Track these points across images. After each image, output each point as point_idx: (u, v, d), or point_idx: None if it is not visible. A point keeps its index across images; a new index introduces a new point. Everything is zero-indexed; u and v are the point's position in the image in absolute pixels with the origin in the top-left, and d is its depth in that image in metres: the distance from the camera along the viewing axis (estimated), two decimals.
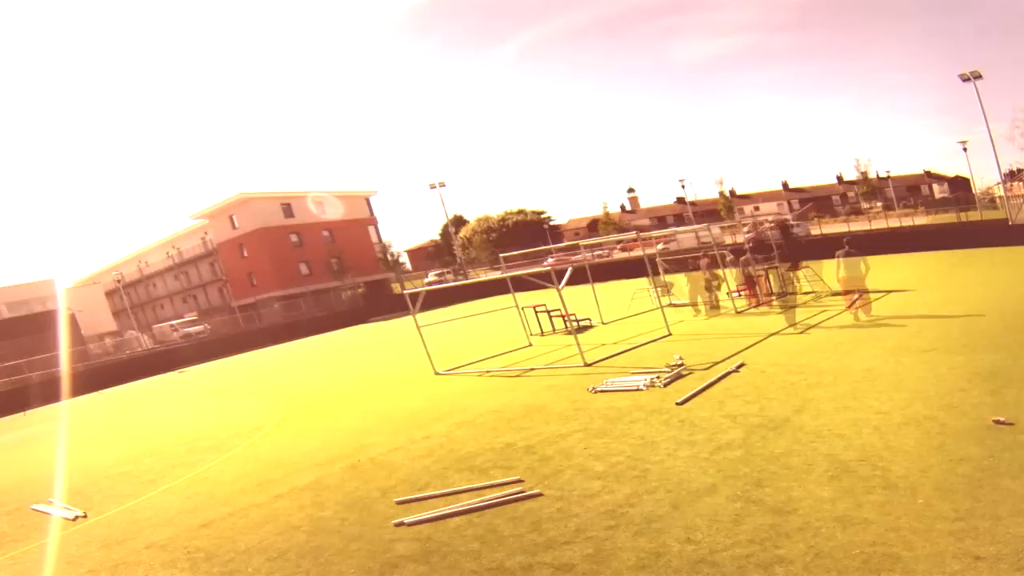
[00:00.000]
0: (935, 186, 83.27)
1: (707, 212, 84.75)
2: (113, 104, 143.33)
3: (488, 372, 16.00)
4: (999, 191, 48.61)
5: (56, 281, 58.54)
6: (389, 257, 77.89)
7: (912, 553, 4.56)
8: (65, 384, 35.41)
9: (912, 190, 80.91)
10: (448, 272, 72.26)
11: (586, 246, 28.27)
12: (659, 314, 18.14)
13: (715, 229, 31.15)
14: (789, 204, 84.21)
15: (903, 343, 11.52)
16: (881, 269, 25.56)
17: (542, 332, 21.28)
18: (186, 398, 23.62)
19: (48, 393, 34.49)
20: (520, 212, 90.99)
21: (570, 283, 16.40)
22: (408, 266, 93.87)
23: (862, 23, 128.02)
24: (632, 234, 28.72)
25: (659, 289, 22.14)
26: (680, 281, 23.33)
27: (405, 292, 19.84)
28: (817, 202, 78.07)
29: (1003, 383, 8.06)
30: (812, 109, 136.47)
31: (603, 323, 21.44)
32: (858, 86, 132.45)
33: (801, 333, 13.68)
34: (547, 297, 19.77)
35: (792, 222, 35.15)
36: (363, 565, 6.06)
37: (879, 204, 72.27)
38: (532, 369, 15.32)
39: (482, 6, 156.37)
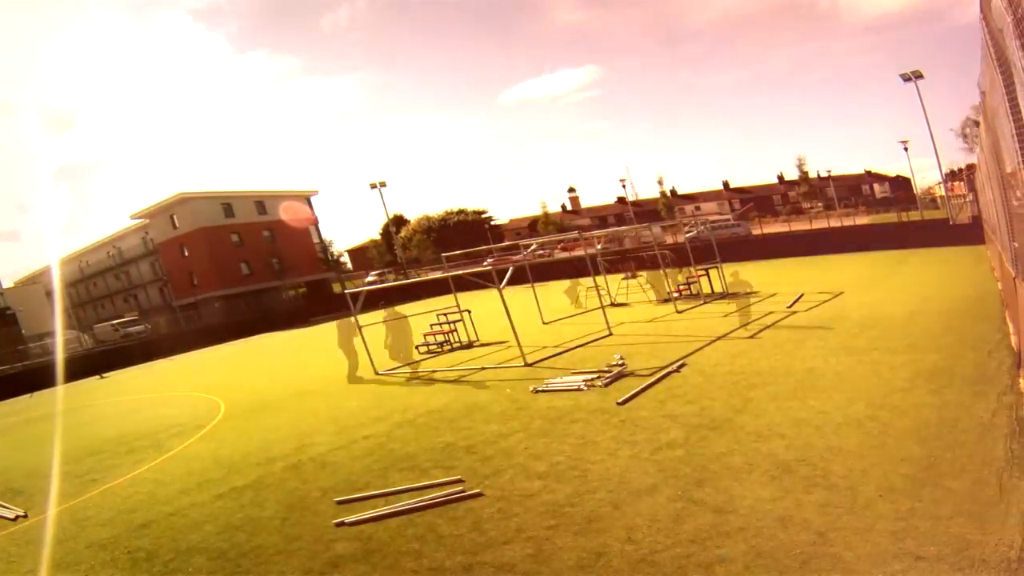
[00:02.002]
0: (876, 186, 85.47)
1: (648, 212, 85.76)
2: (56, 103, 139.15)
3: (429, 372, 15.90)
4: (940, 191, 49.84)
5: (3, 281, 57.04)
6: (330, 257, 77.07)
7: (853, 553, 4.55)
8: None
9: (853, 190, 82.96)
10: (388, 272, 71.65)
11: (526, 245, 28.21)
12: (600, 314, 18.22)
13: (656, 229, 31.38)
14: (730, 203, 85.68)
15: (844, 343, 11.62)
16: (822, 269, 26.21)
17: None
18: (124, 398, 22.95)
19: None
20: (461, 211, 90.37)
21: (510, 283, 16.38)
22: (349, 266, 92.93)
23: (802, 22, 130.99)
24: (574, 234, 28.76)
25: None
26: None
27: (346, 292, 19.55)
28: (758, 202, 79.60)
29: (944, 383, 8.16)
30: (753, 108, 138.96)
31: (544, 323, 21.41)
32: (799, 86, 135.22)
33: (750, 337, 13.74)
34: (491, 297, 19.60)
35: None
36: (303, 565, 6.00)
37: (820, 204, 73.86)
38: (476, 369, 15.23)
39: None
